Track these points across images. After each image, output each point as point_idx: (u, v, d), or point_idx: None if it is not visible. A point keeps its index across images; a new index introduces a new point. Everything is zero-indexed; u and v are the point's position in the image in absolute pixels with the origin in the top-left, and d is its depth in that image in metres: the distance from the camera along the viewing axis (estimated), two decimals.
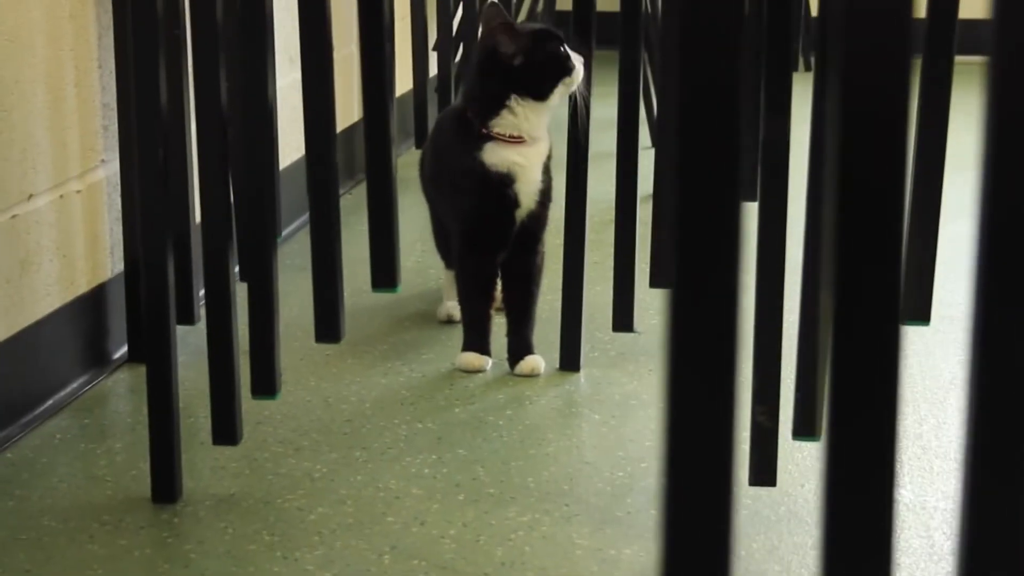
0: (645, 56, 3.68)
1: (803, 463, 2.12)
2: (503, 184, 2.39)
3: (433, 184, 2.59)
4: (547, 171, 2.44)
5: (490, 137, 2.39)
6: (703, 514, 0.91)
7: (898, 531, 1.91)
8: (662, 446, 0.93)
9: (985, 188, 0.84)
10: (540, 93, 2.37)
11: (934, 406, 2.34)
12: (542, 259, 2.49)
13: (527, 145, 2.40)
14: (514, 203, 2.41)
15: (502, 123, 2.38)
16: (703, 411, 0.90)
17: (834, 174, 0.83)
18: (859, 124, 0.85)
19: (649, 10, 3.85)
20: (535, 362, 2.46)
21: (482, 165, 2.39)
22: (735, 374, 0.91)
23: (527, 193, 2.41)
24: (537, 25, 2.42)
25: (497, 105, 2.38)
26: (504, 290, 2.51)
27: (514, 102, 2.37)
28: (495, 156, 2.39)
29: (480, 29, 2.44)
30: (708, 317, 0.88)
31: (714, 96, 0.85)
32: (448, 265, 2.66)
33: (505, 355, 2.49)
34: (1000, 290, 0.87)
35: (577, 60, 2.37)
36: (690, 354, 0.89)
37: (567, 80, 2.37)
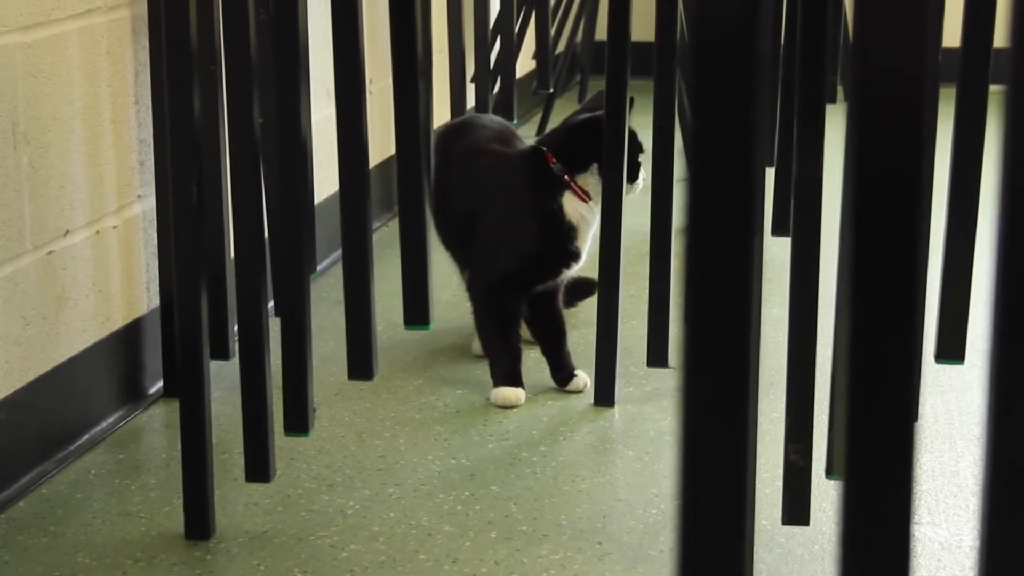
0: (682, 87, 3.68)
1: (837, 502, 2.10)
2: (568, 237, 2.47)
3: (456, 221, 2.59)
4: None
5: (568, 187, 2.46)
6: (719, 555, 0.90)
7: (934, 571, 1.89)
8: (677, 484, 0.92)
9: (1003, 224, 0.82)
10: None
11: (970, 443, 2.31)
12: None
13: (593, 205, 2.48)
14: (572, 256, 2.49)
15: (586, 179, 2.47)
16: (718, 449, 0.89)
17: (850, 212, 0.83)
18: (874, 159, 0.84)
19: (686, 40, 3.84)
20: (585, 378, 2.53)
21: (561, 212, 2.47)
22: (749, 413, 0.89)
23: (583, 250, 2.50)
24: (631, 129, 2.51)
25: (586, 163, 2.46)
26: (535, 324, 2.57)
27: (598, 168, 2.46)
28: (571, 207, 2.47)
29: (593, 107, 2.54)
30: (722, 357, 0.87)
31: (729, 129, 0.84)
32: None
33: (538, 388, 2.49)
34: (1020, 327, 0.85)
35: (642, 176, 2.51)
36: (705, 394, 0.88)
37: (629, 187, 2.47)
